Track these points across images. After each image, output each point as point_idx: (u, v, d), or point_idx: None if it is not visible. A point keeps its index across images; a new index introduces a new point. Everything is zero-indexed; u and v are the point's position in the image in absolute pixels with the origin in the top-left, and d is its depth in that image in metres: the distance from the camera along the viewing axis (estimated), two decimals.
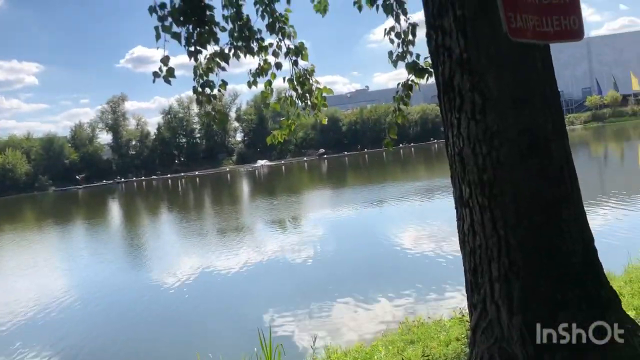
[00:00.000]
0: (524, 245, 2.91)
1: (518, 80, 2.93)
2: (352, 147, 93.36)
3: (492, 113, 2.92)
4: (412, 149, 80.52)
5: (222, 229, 22.34)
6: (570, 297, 2.88)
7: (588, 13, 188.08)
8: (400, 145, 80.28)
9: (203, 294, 12.24)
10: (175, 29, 4.47)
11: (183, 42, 4.56)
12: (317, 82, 5.91)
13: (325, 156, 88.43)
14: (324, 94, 5.97)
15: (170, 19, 4.36)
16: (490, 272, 3.01)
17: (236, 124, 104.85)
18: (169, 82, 4.51)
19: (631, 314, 4.04)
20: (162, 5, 4.39)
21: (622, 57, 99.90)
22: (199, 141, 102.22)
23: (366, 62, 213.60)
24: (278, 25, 5.30)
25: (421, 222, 17.53)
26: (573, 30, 3.13)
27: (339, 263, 13.76)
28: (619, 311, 3.08)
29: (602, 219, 14.49)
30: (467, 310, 3.49)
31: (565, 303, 2.87)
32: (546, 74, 3.06)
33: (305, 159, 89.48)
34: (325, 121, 6.26)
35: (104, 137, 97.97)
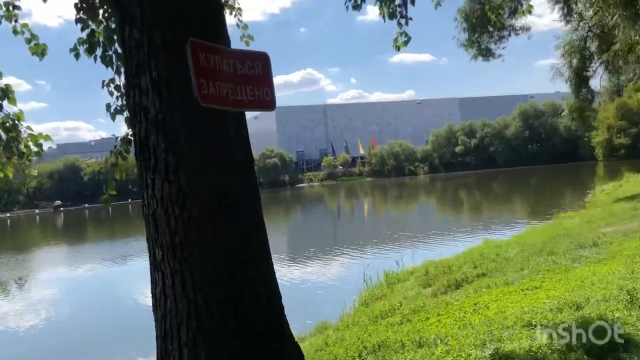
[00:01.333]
0: (210, 307, 2.92)
1: (210, 143, 3.00)
2: (95, 199, 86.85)
3: (185, 174, 2.94)
4: None
5: None
6: (254, 357, 2.97)
7: (325, 83, 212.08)
8: (129, 200, 73.01)
9: None
10: None
11: None
12: (29, 128, 5.34)
13: (61, 209, 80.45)
14: (41, 141, 5.42)
15: None
16: (179, 337, 2.95)
17: None
18: None
19: None
20: None
21: (352, 124, 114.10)
22: None
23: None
24: None
25: None
26: (266, 100, 3.38)
27: (71, 326, 12.55)
28: None
29: (326, 270, 15.88)
30: None
31: None
32: (239, 139, 3.20)
33: (37, 211, 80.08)
34: (34, 173, 5.67)
35: None
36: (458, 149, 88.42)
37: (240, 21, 6.12)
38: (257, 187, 3.35)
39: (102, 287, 17.82)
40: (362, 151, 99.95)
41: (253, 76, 3.31)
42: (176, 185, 2.95)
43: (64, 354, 10.45)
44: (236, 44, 4.85)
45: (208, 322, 2.91)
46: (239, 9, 6.16)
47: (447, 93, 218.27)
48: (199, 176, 2.96)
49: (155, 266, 3.06)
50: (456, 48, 21.97)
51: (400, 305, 7.38)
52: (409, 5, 6.20)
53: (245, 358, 2.95)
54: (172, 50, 2.96)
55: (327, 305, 11.06)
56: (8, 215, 75.97)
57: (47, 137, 5.53)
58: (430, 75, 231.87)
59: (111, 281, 18.75)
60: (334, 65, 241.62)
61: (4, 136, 5.29)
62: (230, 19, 6.18)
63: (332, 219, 38.62)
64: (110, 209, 72.09)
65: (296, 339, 8.33)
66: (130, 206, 67.21)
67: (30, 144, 5.45)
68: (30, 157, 5.51)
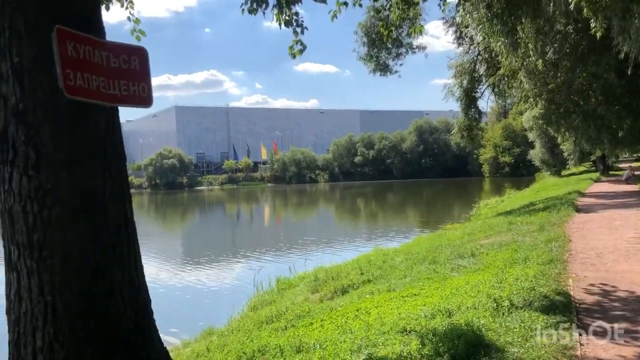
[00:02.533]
0: (71, 311, 2.75)
1: (75, 139, 2.83)
2: None
3: (46, 170, 2.75)
4: None
5: None
6: None
7: (230, 86, 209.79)
8: None
9: None
10: None
11: None
12: None
13: None
14: None
15: None
16: (34, 342, 2.75)
17: None
18: None
19: None
20: None
21: (255, 128, 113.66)
22: None
23: None
24: None
25: None
26: (142, 96, 3.25)
27: None
28: None
29: (219, 274, 15.62)
30: None
31: None
32: (110, 135, 3.05)
33: None
34: None
35: None
36: (357, 159, 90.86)
37: (132, 15, 5.88)
38: (128, 186, 3.21)
39: None
40: (264, 156, 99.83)
41: (129, 70, 3.17)
42: (36, 181, 2.75)
43: None
44: (129, 39, 4.66)
45: (67, 327, 2.73)
46: (131, 1, 5.93)
47: (349, 104, 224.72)
48: (62, 172, 2.78)
49: (10, 266, 2.83)
50: (358, 61, 22.53)
51: (287, 311, 7.39)
52: (305, 15, 6.27)
53: None
54: (36, 38, 2.77)
55: (217, 311, 10.85)
56: None
57: None
58: (333, 86, 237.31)
59: None
60: (239, 68, 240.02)
61: None
62: (122, 12, 5.94)
63: (230, 223, 38.13)
64: None
65: (180, 345, 8.10)
66: None
67: None
68: None
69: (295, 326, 6.28)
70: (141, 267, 3.17)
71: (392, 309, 5.98)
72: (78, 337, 2.75)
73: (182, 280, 15.07)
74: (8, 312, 2.87)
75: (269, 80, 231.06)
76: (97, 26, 3.06)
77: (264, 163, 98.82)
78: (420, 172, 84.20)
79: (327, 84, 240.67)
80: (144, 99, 3.26)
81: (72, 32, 2.81)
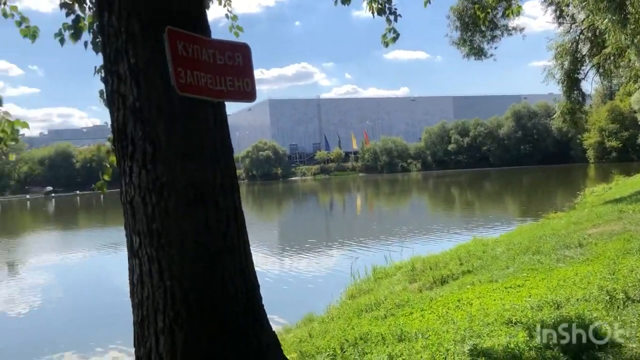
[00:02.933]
0: (188, 296, 2.92)
1: (187, 134, 2.99)
2: (87, 186, 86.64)
3: (162, 164, 2.92)
4: None
5: None
6: (229, 347, 2.98)
7: (320, 77, 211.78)
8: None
9: None
10: None
11: None
12: (7, 113, 5.29)
13: (53, 195, 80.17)
14: (18, 127, 5.36)
15: None
16: (156, 324, 2.95)
17: None
18: None
19: (293, 356, 4.40)
20: None
21: (345, 118, 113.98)
22: None
23: None
24: None
25: None
26: (246, 91, 3.37)
27: (60, 313, 12.54)
28: (277, 356, 3.29)
29: (316, 262, 15.91)
30: None
31: (225, 353, 2.95)
32: (219, 129, 3.19)
33: (28, 196, 79.76)
34: (12, 158, 5.63)
35: None
36: (451, 147, 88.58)
37: (230, 12, 6.07)
38: (236, 177, 3.34)
39: (91, 273, 17.74)
40: (355, 146, 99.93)
41: (233, 67, 3.30)
42: (153, 174, 2.94)
43: (51, 339, 10.44)
44: (226, 35, 4.84)
45: (185, 311, 2.91)
46: None
47: (441, 91, 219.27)
48: (176, 166, 2.95)
49: (132, 253, 3.05)
50: (450, 46, 21.86)
51: (385, 300, 7.39)
52: (395, 2, 6.20)
53: (222, 347, 2.96)
54: (150, 39, 2.94)
55: (315, 298, 11.08)
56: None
57: (24, 124, 5.47)
58: (424, 73, 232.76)
59: (100, 268, 18.69)
60: (329, 60, 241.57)
61: None
62: (220, 10, 6.15)
63: (324, 212, 38.66)
64: (102, 196, 72.14)
65: (282, 330, 8.35)
66: (101, 196, 67.04)
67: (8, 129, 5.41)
68: (7, 142, 5.46)
69: (395, 315, 6.27)
70: (250, 255, 3.30)
71: (495, 300, 5.81)
72: (195, 320, 2.92)
73: (280, 267, 15.53)
74: (132, 295, 3.10)
75: (359, 70, 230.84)
76: (203, 25, 3.20)
77: (355, 153, 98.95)
78: (519, 159, 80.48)
79: (418, 71, 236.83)
80: (248, 94, 3.37)
81: (181, 32, 2.96)
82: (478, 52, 21.27)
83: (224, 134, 3.24)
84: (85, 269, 18.79)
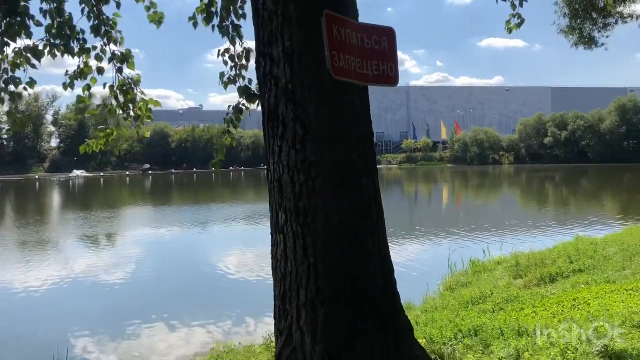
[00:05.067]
0: (330, 273, 3.01)
1: (337, 117, 3.06)
2: (181, 165, 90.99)
3: (311, 145, 3.01)
4: (242, 172, 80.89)
5: (25, 242, 20.05)
6: (369, 326, 3.04)
7: (410, 65, 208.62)
8: (230, 168, 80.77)
9: None
10: None
11: None
12: (143, 92, 5.64)
13: (150, 172, 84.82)
14: (151, 106, 5.71)
15: None
16: (298, 298, 3.06)
17: (52, 129, 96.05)
18: None
19: (422, 342, 4.40)
20: None
21: (435, 107, 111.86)
22: (5, 143, 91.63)
23: (203, 81, 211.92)
24: (104, 28, 4.98)
25: (243, 246, 17.56)
26: (390, 76, 3.39)
27: (154, 285, 13.14)
28: (412, 340, 3.32)
29: (407, 252, 15.80)
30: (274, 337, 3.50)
31: (365, 332, 3.02)
32: (363, 113, 3.24)
33: (127, 173, 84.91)
34: (148, 134, 5.99)
35: None
36: (547, 140, 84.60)
37: None
38: (376, 162, 3.39)
39: (182, 249, 18.58)
40: (444, 136, 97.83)
41: (379, 51, 3.32)
42: (302, 154, 3.03)
43: (142, 308, 10.93)
44: None
45: (327, 287, 3.00)
46: None
47: (539, 82, 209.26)
48: (325, 147, 3.02)
49: (277, 229, 3.17)
50: (551, 35, 20.91)
51: (492, 294, 7.25)
52: None
53: (361, 325, 3.02)
54: (305, 22, 3.02)
55: (409, 288, 11.04)
56: (102, 174, 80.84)
57: (157, 103, 5.81)
58: (521, 62, 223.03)
59: (191, 244, 19.57)
60: (420, 47, 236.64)
61: (121, 98, 5.63)
62: None
63: (410, 202, 38.24)
64: (194, 175, 75.53)
65: None
66: (213, 175, 69.89)
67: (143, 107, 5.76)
68: (144, 120, 5.83)
69: (505, 310, 6.14)
70: (386, 238, 3.34)
71: (616, 302, 5.55)
72: (337, 297, 3.01)
73: None
74: (274, 269, 3.23)
75: (451, 58, 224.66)
76: (353, 9, 3.25)
77: (444, 143, 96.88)
78: (622, 156, 75.50)
79: (514, 60, 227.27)
80: (391, 78, 3.39)
81: (337, 17, 3.02)
82: (588, 41, 19.95)
83: (368, 117, 3.29)
84: (177, 244, 19.71)
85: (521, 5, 6.37)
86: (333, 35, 2.98)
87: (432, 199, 40.79)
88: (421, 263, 14.29)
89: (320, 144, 3.02)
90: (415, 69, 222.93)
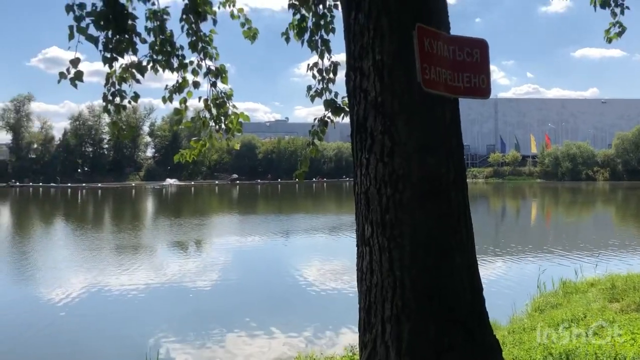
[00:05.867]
0: (417, 287, 2.97)
1: (426, 129, 3.04)
2: (266, 175, 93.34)
3: (399, 157, 3.00)
4: (325, 184, 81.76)
5: (120, 245, 21.32)
6: (456, 342, 2.97)
7: (499, 76, 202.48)
8: (313, 179, 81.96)
9: (88, 313, 11.55)
10: (92, 31, 4.30)
11: (100, 46, 4.39)
12: (234, 106, 5.87)
13: (237, 182, 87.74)
14: (241, 120, 5.92)
15: (87, 20, 4.20)
16: (383, 311, 3.05)
17: (148, 139, 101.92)
18: (75, 85, 4.31)
19: None
20: (81, 6, 4.22)
21: (524, 120, 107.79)
22: (106, 152, 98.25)
23: (289, 94, 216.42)
24: (201, 44, 5.25)
25: (326, 257, 17.70)
26: (482, 88, 3.33)
27: (239, 292, 13.55)
28: (500, 359, 3.22)
29: (493, 270, 15.28)
30: (358, 349, 3.51)
31: (451, 348, 2.95)
32: (453, 126, 3.21)
33: (216, 182, 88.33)
34: (237, 146, 6.23)
35: (2, 137, 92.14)
36: None
37: None
38: (465, 175, 3.33)
39: (264, 258, 18.96)
40: (534, 150, 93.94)
41: (471, 63, 3.28)
42: (390, 166, 3.03)
43: (226, 314, 11.24)
44: None
45: (413, 302, 2.96)
46: None
47: (638, 93, 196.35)
48: (413, 160, 3.01)
49: (363, 241, 3.18)
50: None
51: (585, 317, 6.86)
52: None
53: (449, 341, 2.96)
54: (396, 36, 3.03)
55: (495, 306, 10.66)
56: (192, 183, 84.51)
57: (247, 118, 6.01)
58: (619, 73, 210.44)
59: (276, 253, 19.95)
60: (509, 57, 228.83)
61: (214, 111, 5.88)
62: None
63: (496, 218, 36.96)
64: (279, 186, 77.17)
65: None
66: (296, 185, 71.08)
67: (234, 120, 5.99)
68: (234, 132, 6.06)
69: (599, 335, 5.79)
70: (475, 254, 3.26)
71: None
72: (423, 312, 2.97)
73: None
74: (359, 281, 3.24)
75: (542, 69, 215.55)
76: (445, 21, 3.23)
77: (533, 157, 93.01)
78: None
79: (610, 71, 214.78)
80: (483, 90, 3.33)
81: (429, 29, 3.01)
82: None
83: (457, 130, 3.25)
84: (262, 253, 20.17)
85: (622, 12, 6.09)
86: (424, 48, 2.98)
87: (520, 215, 39.26)
88: (508, 281, 13.80)
89: (408, 157, 3.01)
90: (503, 80, 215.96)
